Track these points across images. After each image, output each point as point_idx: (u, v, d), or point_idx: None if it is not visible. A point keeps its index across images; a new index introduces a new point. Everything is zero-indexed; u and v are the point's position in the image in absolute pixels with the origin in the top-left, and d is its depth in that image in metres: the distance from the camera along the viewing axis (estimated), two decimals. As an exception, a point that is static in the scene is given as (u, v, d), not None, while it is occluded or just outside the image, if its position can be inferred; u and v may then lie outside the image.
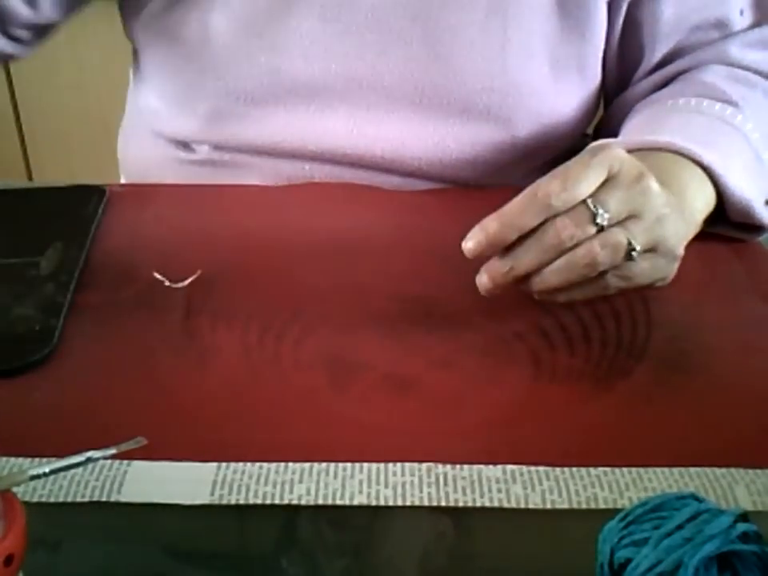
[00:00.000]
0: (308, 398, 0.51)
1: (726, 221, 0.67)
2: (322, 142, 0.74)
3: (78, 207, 0.68)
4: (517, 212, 0.52)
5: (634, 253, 0.53)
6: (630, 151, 0.57)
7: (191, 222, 0.69)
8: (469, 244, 0.53)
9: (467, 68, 0.72)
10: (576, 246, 0.52)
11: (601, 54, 0.75)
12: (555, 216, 0.52)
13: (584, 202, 0.52)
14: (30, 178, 1.94)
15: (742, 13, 0.74)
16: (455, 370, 0.53)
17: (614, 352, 0.55)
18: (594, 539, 0.38)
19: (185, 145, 0.78)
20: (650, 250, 0.54)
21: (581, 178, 0.52)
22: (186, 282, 0.59)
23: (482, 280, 0.55)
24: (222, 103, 0.73)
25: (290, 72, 0.72)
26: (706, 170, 0.63)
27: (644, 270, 0.55)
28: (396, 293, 0.60)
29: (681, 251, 0.57)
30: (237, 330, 0.56)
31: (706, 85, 0.71)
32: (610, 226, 0.52)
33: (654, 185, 0.54)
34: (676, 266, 0.57)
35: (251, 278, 0.61)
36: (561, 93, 0.74)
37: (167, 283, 0.59)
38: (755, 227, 0.67)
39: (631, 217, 0.53)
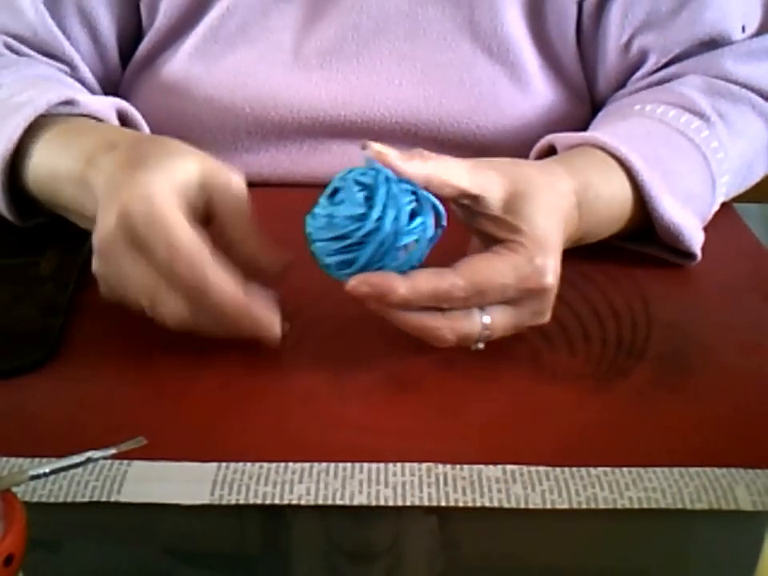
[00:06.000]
0: (308, 398, 0.51)
1: (656, 241, 0.63)
2: (314, 175, 0.74)
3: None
4: (417, 296, 0.49)
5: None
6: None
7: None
8: (362, 287, 0.49)
9: (458, 107, 0.72)
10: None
11: (580, 72, 0.75)
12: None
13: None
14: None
15: (743, 29, 0.70)
16: (455, 369, 0.53)
17: (614, 352, 0.55)
18: (594, 539, 0.38)
19: None
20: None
21: (491, 289, 0.50)
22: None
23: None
24: (209, 152, 0.72)
25: (276, 121, 0.73)
26: (627, 170, 0.60)
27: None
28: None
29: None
30: (237, 330, 0.56)
31: (681, 95, 0.67)
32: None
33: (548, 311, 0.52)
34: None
35: (251, 277, 0.61)
36: (553, 121, 0.74)
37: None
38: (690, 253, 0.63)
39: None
